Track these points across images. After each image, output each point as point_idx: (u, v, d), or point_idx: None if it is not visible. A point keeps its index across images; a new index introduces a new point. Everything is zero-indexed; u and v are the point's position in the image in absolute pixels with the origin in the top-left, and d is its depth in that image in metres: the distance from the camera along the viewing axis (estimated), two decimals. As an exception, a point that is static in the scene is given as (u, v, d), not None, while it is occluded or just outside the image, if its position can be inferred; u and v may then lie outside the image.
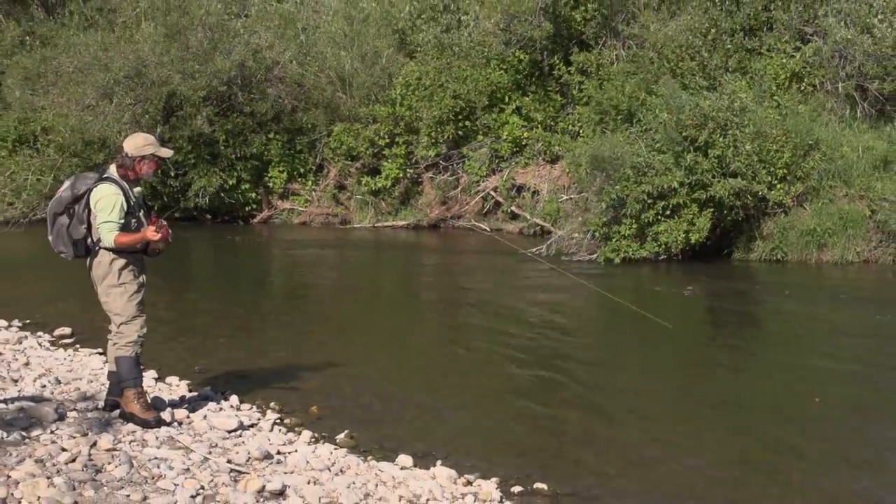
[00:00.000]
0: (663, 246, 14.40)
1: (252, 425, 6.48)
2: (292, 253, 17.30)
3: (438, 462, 5.91)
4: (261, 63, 20.76)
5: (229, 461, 5.63)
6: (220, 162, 19.93)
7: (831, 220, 14.60)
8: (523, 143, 19.21)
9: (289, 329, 10.21)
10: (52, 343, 8.88)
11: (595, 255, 14.87)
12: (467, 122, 19.39)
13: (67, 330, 9.30)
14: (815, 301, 11.95)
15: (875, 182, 14.99)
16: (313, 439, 6.32)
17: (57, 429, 5.82)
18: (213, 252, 17.39)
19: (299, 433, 6.42)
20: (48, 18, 24.36)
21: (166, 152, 6.21)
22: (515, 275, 14.36)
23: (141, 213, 6.07)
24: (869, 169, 15.29)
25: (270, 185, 20.79)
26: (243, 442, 6.08)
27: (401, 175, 19.98)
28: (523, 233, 18.55)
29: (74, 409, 6.31)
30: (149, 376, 7.25)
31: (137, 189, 6.16)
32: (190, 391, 7.24)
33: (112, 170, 6.05)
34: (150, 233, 5.84)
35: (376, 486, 5.48)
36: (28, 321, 9.70)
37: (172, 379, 7.54)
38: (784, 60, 16.98)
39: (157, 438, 5.90)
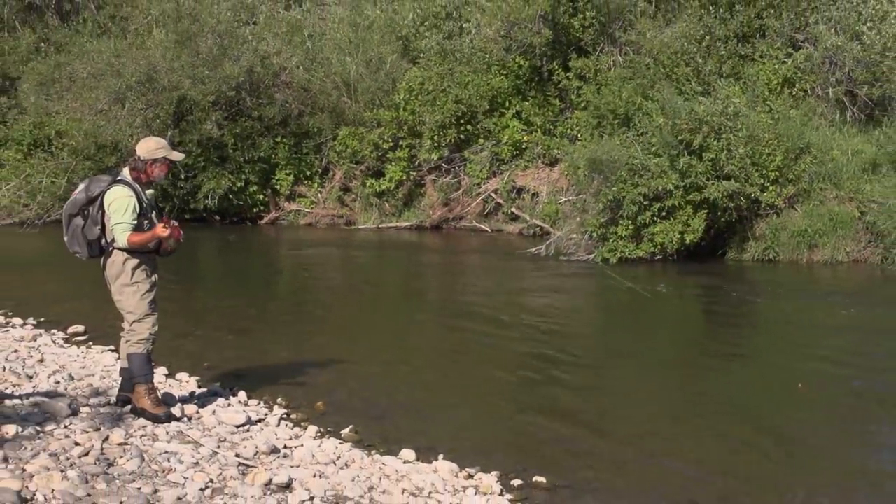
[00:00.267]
0: (659, 246, 14.43)
1: (259, 420, 6.49)
2: (299, 253, 17.39)
3: (440, 456, 5.90)
4: (268, 69, 21.04)
5: (237, 455, 5.65)
6: (229, 165, 20.19)
7: (822, 222, 14.62)
8: (523, 146, 19.29)
9: (295, 327, 10.29)
10: (66, 340, 8.95)
11: (593, 255, 14.90)
12: (469, 126, 19.52)
13: (80, 328, 9.38)
14: (805, 299, 11.92)
15: (864, 184, 15.00)
16: (319, 434, 6.33)
17: (70, 424, 5.84)
18: (220, 252, 17.51)
19: (305, 428, 6.43)
20: (62, 26, 24.65)
21: (177, 156, 6.23)
22: (515, 274, 14.46)
23: (153, 215, 6.10)
24: (858, 172, 15.29)
25: (277, 187, 21.05)
26: (251, 436, 6.09)
27: (404, 177, 20.15)
28: (523, 233, 18.64)
29: (87, 405, 6.34)
30: (159, 373, 7.27)
31: (150, 191, 6.21)
32: (199, 387, 7.25)
33: (125, 172, 6.10)
34: (160, 229, 5.89)
35: (380, 479, 5.50)
36: (42, 319, 9.79)
37: (182, 375, 7.57)
38: (776, 66, 16.93)
39: (167, 433, 5.91)
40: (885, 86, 16.69)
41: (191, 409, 6.47)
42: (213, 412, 6.51)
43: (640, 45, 18.38)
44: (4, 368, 7.33)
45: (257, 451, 5.77)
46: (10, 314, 10.01)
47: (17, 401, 6.27)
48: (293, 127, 21.06)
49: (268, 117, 20.45)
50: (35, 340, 8.78)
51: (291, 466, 5.57)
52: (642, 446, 6.32)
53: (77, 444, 5.49)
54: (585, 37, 19.06)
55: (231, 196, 20.39)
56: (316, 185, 21.37)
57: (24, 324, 9.62)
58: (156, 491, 4.93)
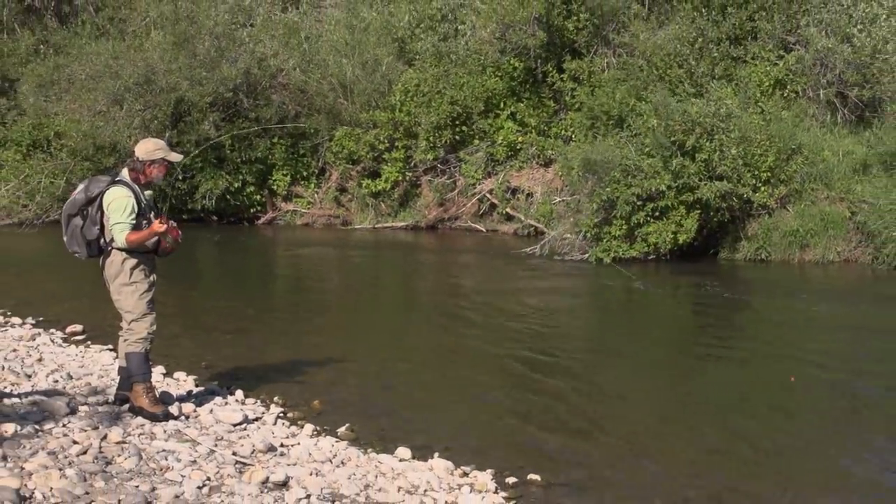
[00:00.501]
0: (652, 246, 14.54)
1: (256, 419, 6.51)
2: (295, 253, 17.46)
3: (436, 454, 5.91)
4: (266, 70, 21.09)
5: (234, 453, 5.65)
6: (226, 165, 20.24)
7: (813, 222, 14.73)
8: (518, 147, 19.39)
9: (292, 326, 10.33)
10: (65, 340, 8.95)
11: (586, 255, 15.00)
12: (464, 127, 19.61)
13: (79, 327, 9.37)
14: (797, 299, 11.98)
15: (855, 185, 15.09)
16: (315, 432, 6.34)
17: (69, 422, 5.86)
18: (218, 252, 17.56)
19: (302, 426, 6.44)
20: (61, 28, 24.62)
21: (176, 157, 6.23)
22: (510, 274, 14.53)
23: (151, 215, 6.09)
24: (849, 172, 15.39)
25: (274, 187, 21.11)
26: (248, 435, 6.10)
27: (400, 178, 20.25)
28: (518, 233, 18.75)
29: (86, 404, 6.34)
30: (157, 372, 7.26)
31: (148, 192, 6.23)
32: (197, 386, 7.25)
33: (124, 173, 6.12)
34: (157, 225, 5.90)
35: (376, 477, 5.51)
36: (41, 318, 9.79)
37: (180, 374, 7.58)
38: (768, 68, 17.04)
39: (164, 431, 5.92)
40: (876, 87, 16.77)
41: (188, 407, 6.50)
42: (211, 411, 6.53)
43: (634, 47, 18.46)
44: (3, 367, 7.34)
45: (254, 450, 5.79)
46: (8, 314, 10.01)
47: (15, 399, 6.29)
48: (290, 128, 21.03)
49: (265, 118, 20.47)
50: (34, 340, 8.79)
51: (288, 464, 5.60)
52: (635, 445, 6.36)
53: (75, 442, 5.52)
54: (579, 39, 19.14)
55: (228, 196, 20.44)
56: (312, 185, 21.43)
57: (23, 323, 9.64)
58: (153, 489, 4.96)
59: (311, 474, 5.45)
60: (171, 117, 19.86)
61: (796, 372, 8.17)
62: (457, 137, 19.74)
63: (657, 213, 14.61)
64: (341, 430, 6.47)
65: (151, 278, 6.22)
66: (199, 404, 6.66)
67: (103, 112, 19.83)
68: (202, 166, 19.87)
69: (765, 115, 15.80)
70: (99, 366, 7.75)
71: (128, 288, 6.10)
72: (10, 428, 5.56)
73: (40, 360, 7.89)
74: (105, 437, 5.68)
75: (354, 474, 5.54)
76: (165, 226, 5.93)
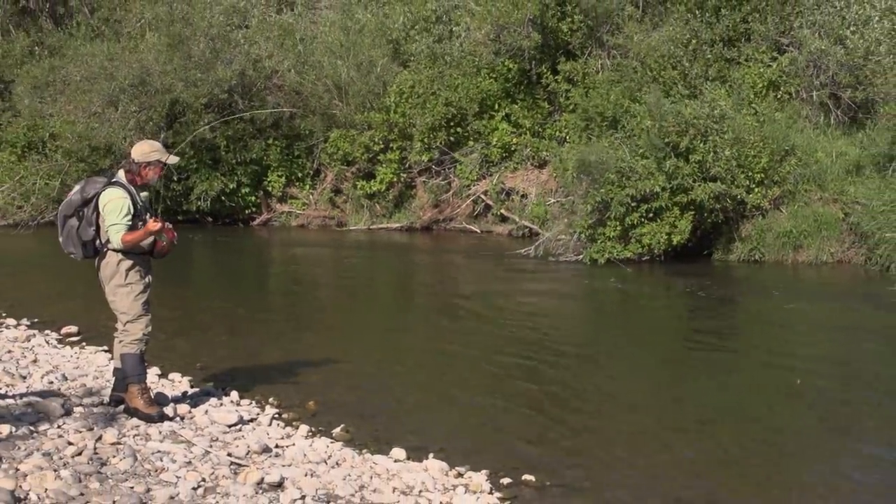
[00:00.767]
0: (646, 247, 14.54)
1: (251, 420, 6.53)
2: (290, 254, 17.49)
3: (430, 455, 5.93)
4: (260, 72, 21.16)
5: (229, 454, 5.68)
6: (221, 167, 20.29)
7: (806, 223, 14.72)
8: (512, 148, 19.35)
9: (287, 327, 10.35)
10: (60, 341, 8.96)
11: (581, 256, 15.01)
12: (459, 129, 19.59)
13: (74, 328, 9.39)
14: (791, 300, 11.92)
15: (848, 186, 15.07)
16: (310, 433, 6.36)
17: (64, 423, 5.88)
18: (213, 253, 17.59)
19: (297, 427, 6.46)
20: (56, 29, 24.67)
21: (172, 159, 6.25)
22: (504, 275, 14.56)
23: (147, 216, 6.10)
24: (842, 173, 15.38)
25: (269, 188, 21.15)
26: (243, 436, 6.11)
27: (395, 179, 20.25)
28: (512, 234, 18.74)
29: (81, 405, 6.37)
30: (152, 373, 7.28)
31: (144, 194, 6.24)
32: (192, 387, 7.28)
33: (120, 175, 6.15)
34: (152, 224, 5.92)
35: (371, 478, 5.52)
36: (36, 320, 9.83)
37: (175, 375, 7.60)
38: (761, 70, 17.03)
39: (160, 432, 5.94)
40: (868, 89, 16.72)
41: (183, 408, 6.52)
42: (206, 412, 6.54)
43: (628, 49, 18.46)
44: (-2, 369, 7.34)
45: (249, 451, 5.81)
46: (3, 315, 10.05)
47: (10, 401, 6.30)
48: (285, 129, 21.15)
49: (260, 120, 20.52)
50: (29, 341, 8.81)
51: (283, 465, 5.62)
52: (630, 446, 6.38)
53: (70, 443, 5.54)
54: (574, 40, 19.15)
55: (223, 198, 20.49)
56: (307, 186, 21.48)
57: (18, 324, 9.65)
58: (148, 490, 4.97)
59: (306, 475, 5.46)
60: (167, 118, 19.90)
61: (795, 372, 8.22)
62: (451, 139, 19.73)
63: (651, 215, 14.61)
64: (336, 430, 6.49)
65: (147, 280, 6.24)
66: (195, 405, 6.68)
67: (98, 113, 19.89)
68: (197, 167, 19.91)
69: (758, 116, 15.81)
70: (94, 367, 7.76)
71: (123, 289, 6.12)
72: (4, 429, 5.58)
73: (35, 361, 7.90)
74: (100, 438, 5.69)
75: (349, 475, 5.55)
76: (160, 225, 5.95)
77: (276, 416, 6.77)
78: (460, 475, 5.72)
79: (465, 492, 5.43)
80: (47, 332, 9.30)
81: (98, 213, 6.07)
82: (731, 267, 14.80)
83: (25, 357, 8.01)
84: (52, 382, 7.07)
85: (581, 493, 5.54)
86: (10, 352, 8.19)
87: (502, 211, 19.40)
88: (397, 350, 9.39)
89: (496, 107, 19.72)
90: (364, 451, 6.09)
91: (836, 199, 15.13)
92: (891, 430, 6.79)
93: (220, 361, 8.39)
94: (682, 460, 6.14)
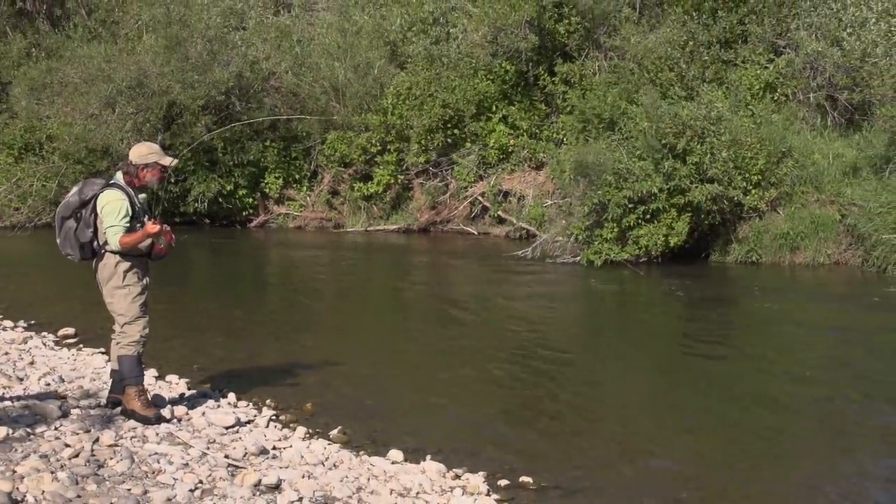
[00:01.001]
0: (643, 249, 14.53)
1: (249, 422, 6.52)
2: (288, 256, 17.48)
3: (428, 457, 5.94)
4: (258, 74, 21.20)
5: (227, 456, 5.68)
6: (219, 168, 20.32)
7: (803, 224, 14.73)
8: (509, 150, 19.38)
9: (284, 329, 10.34)
10: (57, 343, 8.97)
11: (578, 258, 15.01)
12: (456, 130, 19.61)
13: (71, 330, 9.39)
14: (787, 301, 11.99)
15: (845, 188, 15.08)
16: (308, 435, 6.36)
17: (61, 425, 5.88)
18: (210, 255, 17.58)
19: (294, 429, 6.46)
20: (53, 31, 24.73)
21: (169, 161, 6.22)
22: (502, 276, 14.55)
23: (145, 218, 6.09)
24: (839, 175, 15.38)
25: (267, 190, 21.19)
26: (240, 438, 6.11)
27: (392, 181, 20.28)
28: (510, 236, 18.76)
29: (78, 407, 6.37)
30: (150, 375, 7.28)
31: (142, 196, 6.24)
32: (189, 389, 7.29)
33: (118, 176, 6.14)
34: (150, 226, 5.91)
35: (368, 479, 5.53)
36: (33, 322, 9.83)
37: (172, 377, 7.61)
38: (758, 71, 17.04)
39: (157, 434, 5.94)
40: (865, 91, 16.75)
41: (180, 410, 6.52)
42: (203, 414, 6.55)
43: (625, 51, 18.48)
44: (-5, 371, 7.33)
45: (246, 453, 5.81)
46: (0, 317, 10.03)
47: (7, 403, 6.30)
48: (282, 131, 21.17)
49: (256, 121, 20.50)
50: (26, 343, 8.80)
51: (280, 467, 5.62)
52: (628, 448, 6.40)
53: (67, 445, 5.53)
54: (571, 42, 19.20)
55: (220, 199, 20.53)
56: (305, 188, 21.51)
57: (15, 326, 9.65)
58: (146, 492, 4.97)
59: (303, 477, 5.46)
60: (164, 120, 19.94)
61: (792, 374, 8.24)
62: (448, 140, 19.76)
63: (648, 216, 14.62)
64: (333, 432, 6.48)
65: (144, 281, 6.23)
66: (192, 407, 6.67)
67: (95, 115, 19.93)
68: (194, 169, 19.92)
69: (755, 118, 15.83)
70: (91, 369, 7.75)
71: (121, 291, 6.11)
72: (1, 431, 5.57)
73: (32, 363, 7.90)
74: (97, 440, 5.69)
75: (347, 477, 5.55)
76: (159, 226, 5.94)
77: (274, 417, 6.77)
78: (458, 477, 5.72)
79: (463, 493, 5.42)
80: (44, 333, 9.30)
81: (96, 215, 6.06)
82: (728, 268, 14.80)
83: (22, 359, 8.00)
84: (49, 384, 7.06)
85: (578, 495, 5.54)
86: (7, 354, 8.17)
87: (499, 213, 19.43)
88: (395, 352, 9.39)
89: (493, 108, 19.75)
90: (361, 452, 6.09)
91: (832, 201, 15.13)
92: (887, 433, 6.80)
93: (218, 363, 8.39)
94: (679, 462, 6.14)
